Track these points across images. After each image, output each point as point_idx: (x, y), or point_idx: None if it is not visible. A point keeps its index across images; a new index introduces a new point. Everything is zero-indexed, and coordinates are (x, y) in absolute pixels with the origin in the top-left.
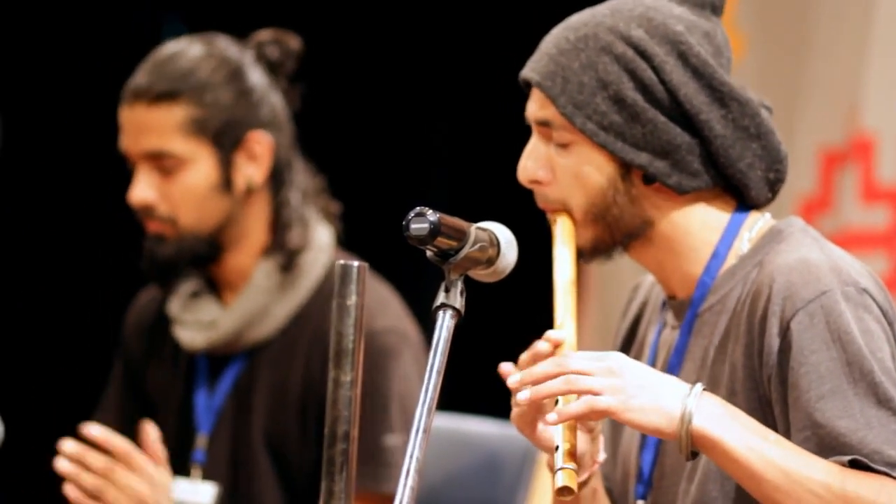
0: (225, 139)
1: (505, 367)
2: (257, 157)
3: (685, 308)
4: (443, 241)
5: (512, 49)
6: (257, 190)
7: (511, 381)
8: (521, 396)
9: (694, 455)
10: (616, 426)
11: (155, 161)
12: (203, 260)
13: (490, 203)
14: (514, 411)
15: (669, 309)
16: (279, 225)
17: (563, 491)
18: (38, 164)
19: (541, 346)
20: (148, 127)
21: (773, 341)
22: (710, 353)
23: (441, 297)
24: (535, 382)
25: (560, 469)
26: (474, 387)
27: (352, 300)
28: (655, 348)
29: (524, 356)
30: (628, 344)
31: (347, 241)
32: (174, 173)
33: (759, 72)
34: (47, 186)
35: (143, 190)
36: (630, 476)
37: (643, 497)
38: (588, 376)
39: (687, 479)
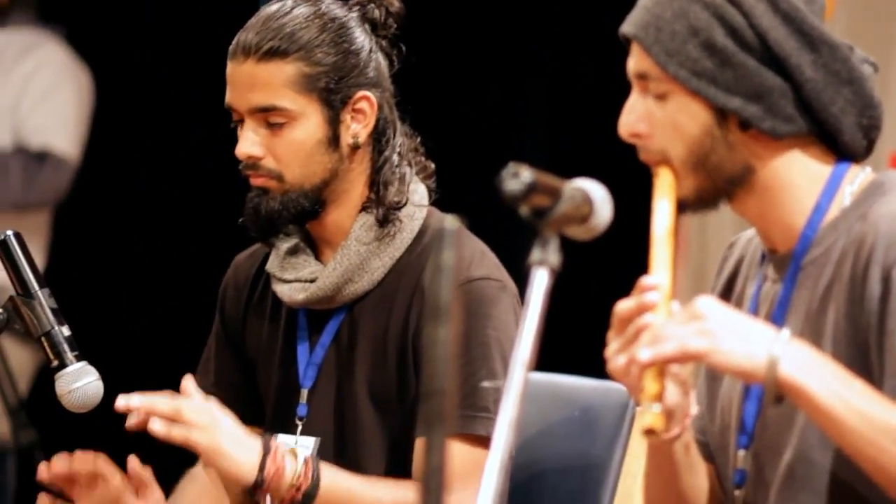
0: (333, 97)
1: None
2: (363, 115)
3: (787, 261)
4: (537, 199)
5: (615, 4)
6: (361, 148)
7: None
8: (643, 356)
9: (779, 400)
10: (713, 379)
11: (262, 116)
12: (306, 215)
13: (590, 159)
14: (611, 363)
15: (770, 263)
16: (379, 181)
17: (648, 433)
18: (135, 128)
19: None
20: (258, 82)
21: (875, 288)
22: (814, 305)
23: (536, 255)
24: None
25: (646, 411)
26: (571, 346)
27: (447, 258)
28: (756, 302)
29: (615, 321)
30: (725, 300)
31: (443, 198)
32: (282, 128)
33: (849, 30)
34: (142, 151)
35: (249, 144)
36: (729, 427)
37: (746, 447)
38: (677, 327)
39: (789, 428)
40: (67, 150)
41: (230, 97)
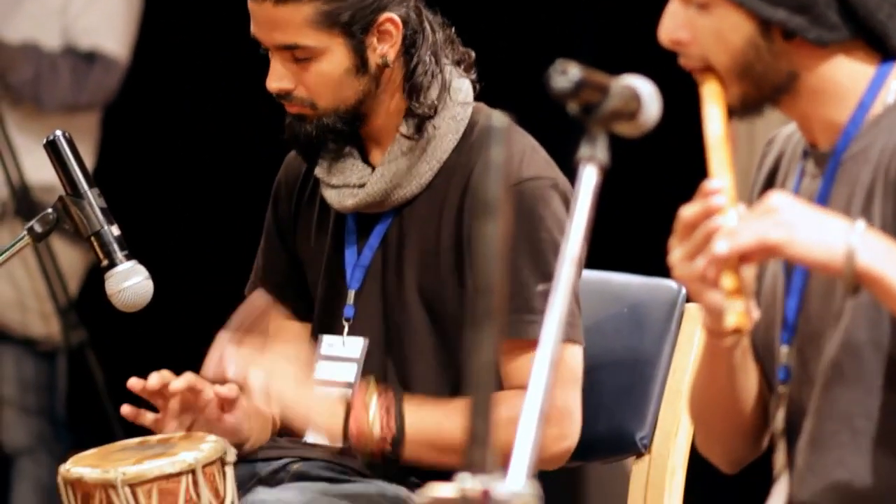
0: (355, 27)
1: None
2: (389, 35)
3: (828, 157)
4: (585, 96)
5: None
6: (392, 63)
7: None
8: (721, 248)
9: (855, 290)
10: (756, 275)
11: (288, 52)
12: (346, 134)
13: (638, 55)
14: (678, 269)
15: (811, 158)
16: (415, 88)
17: (735, 332)
18: (185, 29)
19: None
20: (278, 23)
21: None
22: (855, 202)
23: (584, 151)
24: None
25: (730, 310)
26: (620, 243)
27: (496, 154)
28: (796, 196)
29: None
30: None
31: (491, 92)
32: (308, 62)
33: None
34: (191, 51)
35: (278, 78)
36: (774, 323)
37: (788, 342)
38: (759, 207)
39: (833, 324)
40: (117, 50)
41: (254, 30)
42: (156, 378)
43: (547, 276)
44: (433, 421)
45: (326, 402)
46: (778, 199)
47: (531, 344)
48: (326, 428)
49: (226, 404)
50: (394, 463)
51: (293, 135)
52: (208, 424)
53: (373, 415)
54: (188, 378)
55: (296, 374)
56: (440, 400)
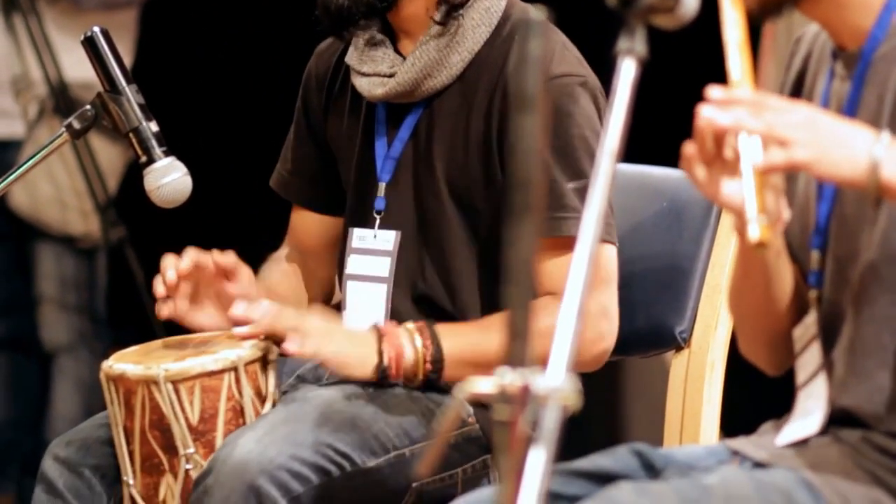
0: None
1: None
2: None
3: (856, 59)
4: None
5: None
6: None
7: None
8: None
9: (879, 203)
10: (789, 178)
11: None
12: (376, 11)
13: None
14: (696, 172)
15: (840, 59)
16: None
17: (759, 246)
18: None
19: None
20: None
21: None
22: (886, 102)
23: (623, 44)
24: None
25: (754, 223)
26: (658, 137)
27: (533, 47)
28: (826, 99)
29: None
30: (796, 96)
31: None
32: None
33: None
34: None
35: None
36: (809, 227)
37: (819, 247)
38: (785, 124)
39: (868, 228)
40: None
41: None
42: (171, 272)
43: (577, 173)
44: (469, 339)
45: (357, 340)
46: (808, 112)
47: (564, 242)
48: (363, 356)
49: (227, 273)
50: (435, 381)
51: (324, 7)
52: (216, 297)
53: (408, 336)
54: (192, 255)
55: (323, 318)
56: (470, 322)
